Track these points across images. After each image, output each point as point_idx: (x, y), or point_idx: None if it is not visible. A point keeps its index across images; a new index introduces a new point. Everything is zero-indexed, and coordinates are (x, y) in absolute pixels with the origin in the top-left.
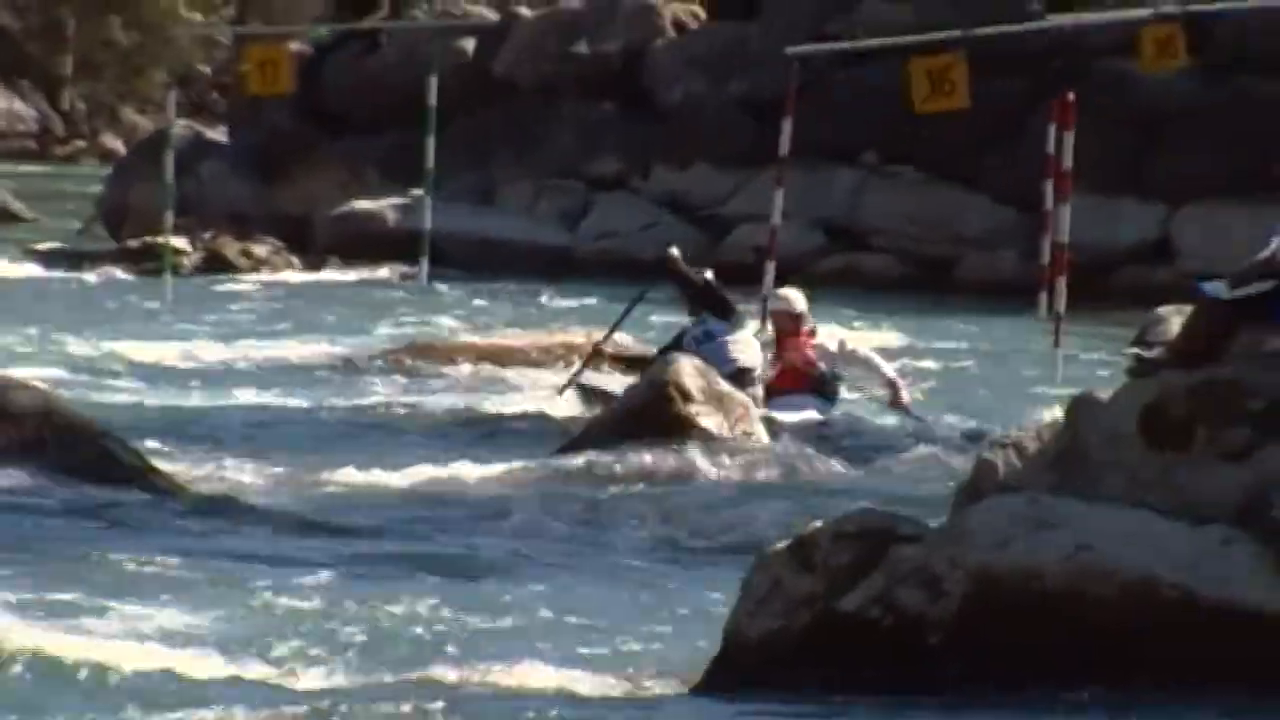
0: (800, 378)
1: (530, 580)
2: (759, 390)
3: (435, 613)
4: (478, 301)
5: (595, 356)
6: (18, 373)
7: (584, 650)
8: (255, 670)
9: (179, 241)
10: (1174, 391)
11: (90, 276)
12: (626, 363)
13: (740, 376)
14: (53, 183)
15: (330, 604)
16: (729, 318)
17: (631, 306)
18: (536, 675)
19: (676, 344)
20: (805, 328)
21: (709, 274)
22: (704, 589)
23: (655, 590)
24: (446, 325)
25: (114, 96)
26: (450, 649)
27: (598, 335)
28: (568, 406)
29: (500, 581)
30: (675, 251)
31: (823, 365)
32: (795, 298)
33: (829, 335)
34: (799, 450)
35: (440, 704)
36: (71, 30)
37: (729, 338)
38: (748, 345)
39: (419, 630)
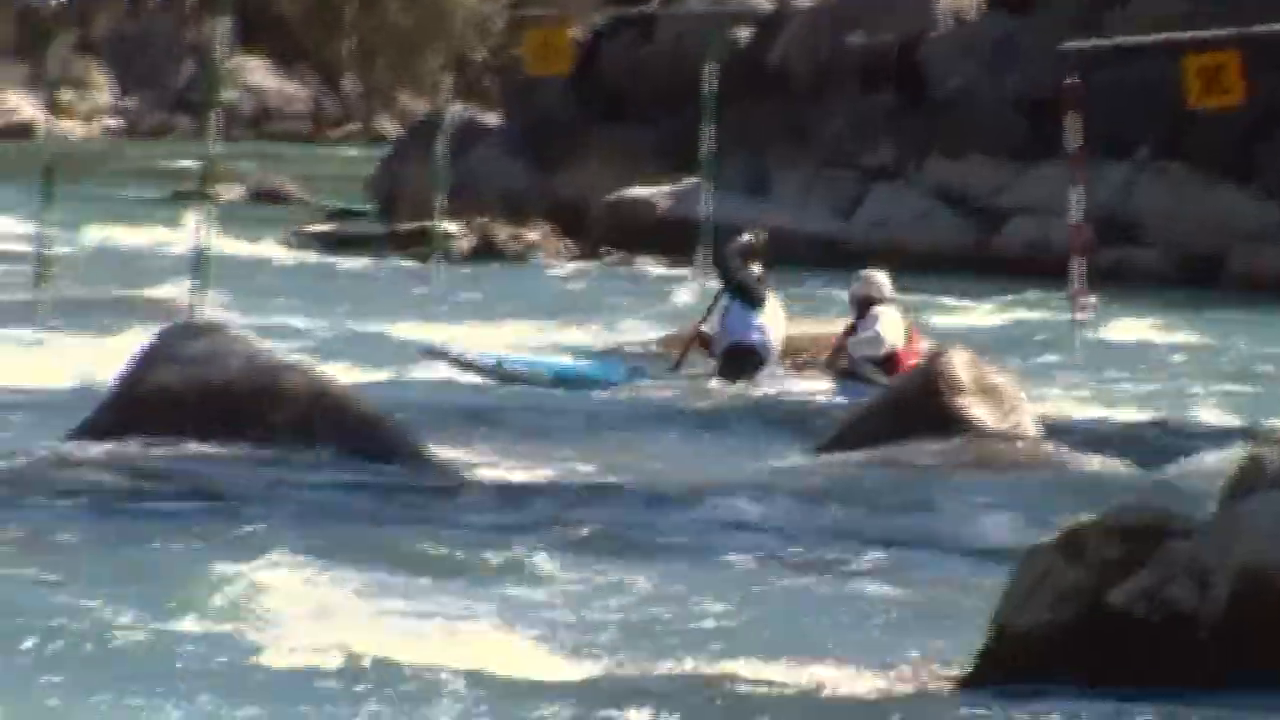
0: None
1: (799, 574)
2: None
3: (708, 605)
4: None
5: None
6: (288, 355)
7: (853, 644)
8: (545, 652)
9: (450, 225)
10: None
11: (362, 259)
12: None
13: (748, 351)
14: (326, 165)
15: (601, 593)
16: (757, 306)
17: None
18: (807, 669)
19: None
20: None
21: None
22: (971, 581)
23: (923, 583)
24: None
25: (389, 80)
26: (723, 642)
27: None
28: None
29: (770, 575)
30: (746, 238)
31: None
32: (880, 280)
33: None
34: (1067, 443)
35: (717, 698)
36: (348, 14)
37: (751, 313)
38: (770, 322)
39: (692, 623)
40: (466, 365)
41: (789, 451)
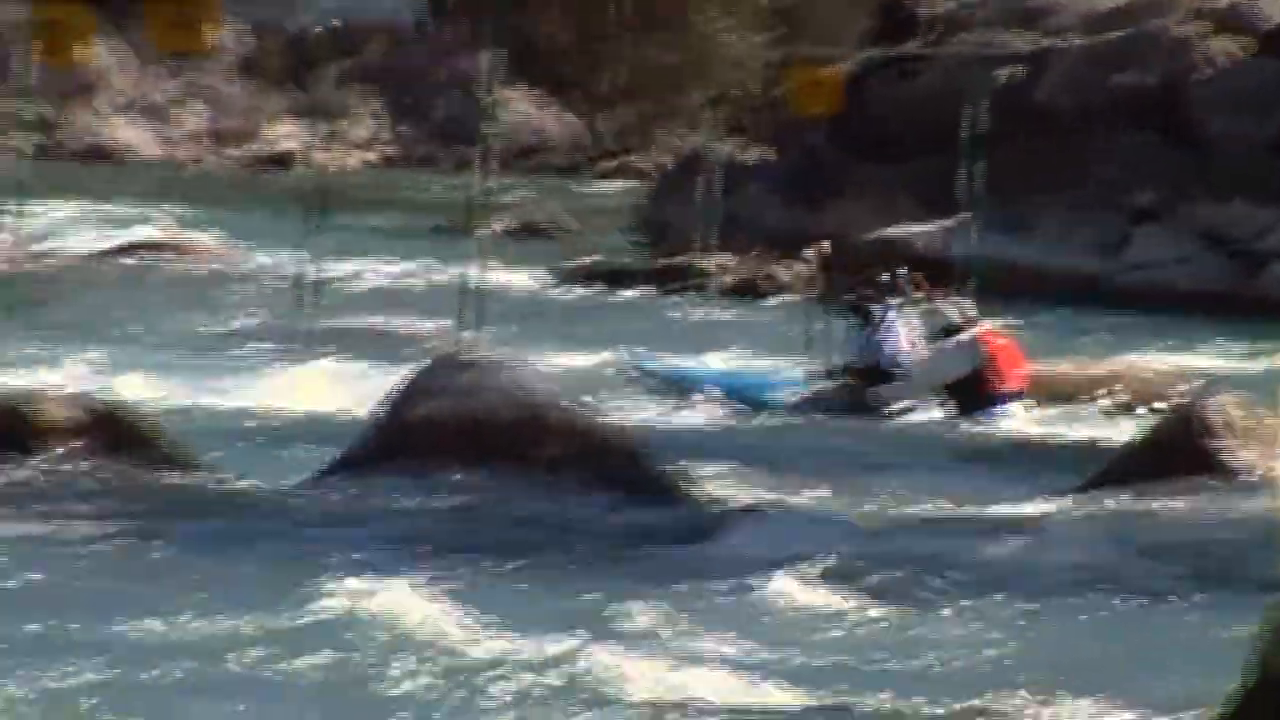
0: None
1: (1064, 613)
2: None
3: (983, 641)
4: (1011, 331)
5: None
6: (550, 388)
7: (1116, 681)
8: (811, 687)
9: (714, 261)
10: None
11: (626, 293)
12: None
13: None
14: (590, 200)
15: (874, 629)
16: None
17: None
18: (1075, 705)
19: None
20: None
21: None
22: (1231, 623)
23: (1182, 624)
24: None
25: (653, 115)
26: (994, 680)
27: (1133, 366)
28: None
29: (1025, 613)
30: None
31: None
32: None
33: None
34: None
35: None
36: (613, 49)
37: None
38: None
39: (965, 659)
40: (650, 375)
41: (1052, 489)
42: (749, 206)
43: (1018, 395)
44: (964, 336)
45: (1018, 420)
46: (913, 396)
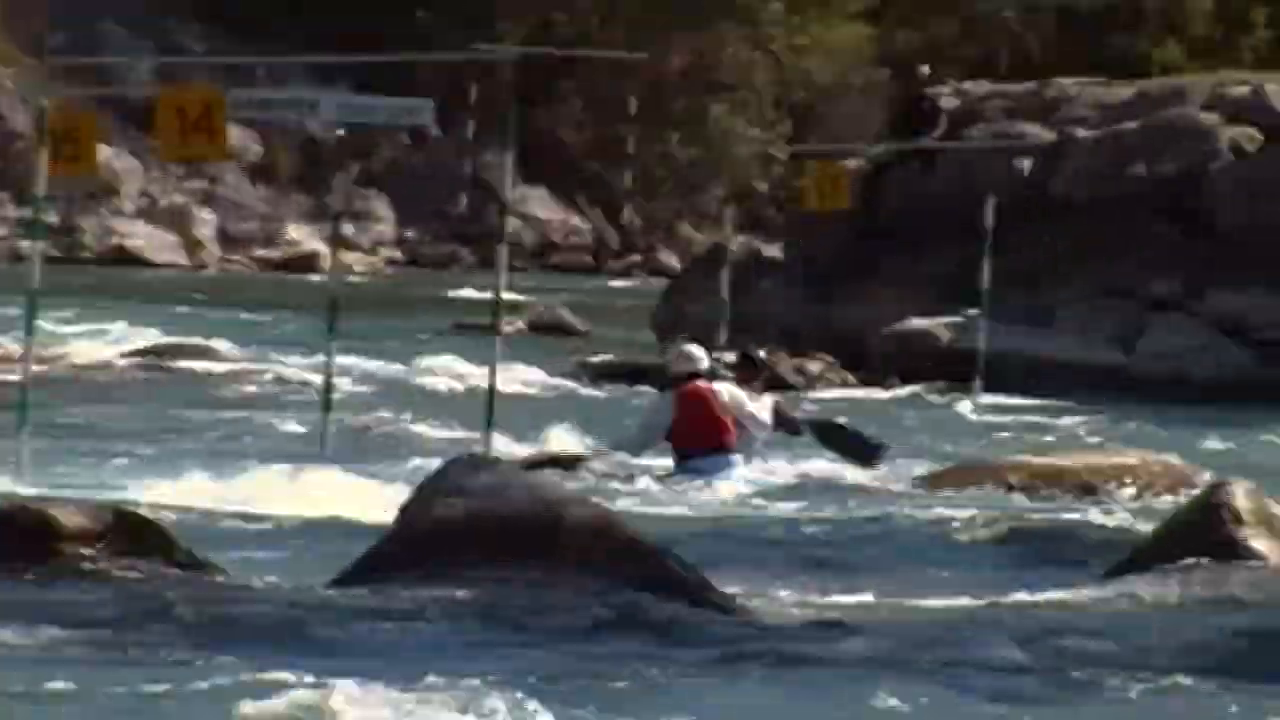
0: None
1: (1084, 705)
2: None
3: None
4: (1031, 422)
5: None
6: (573, 488)
7: None
8: None
9: (731, 357)
10: None
11: (644, 391)
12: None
13: None
14: (607, 297)
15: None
16: None
17: None
18: None
19: None
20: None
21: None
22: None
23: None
24: (997, 444)
25: (671, 212)
26: None
27: (1150, 457)
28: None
29: (1057, 706)
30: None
31: None
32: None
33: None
34: None
35: None
36: (630, 146)
37: None
38: None
39: None
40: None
41: (1068, 581)
42: (765, 301)
43: (715, 450)
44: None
45: (735, 482)
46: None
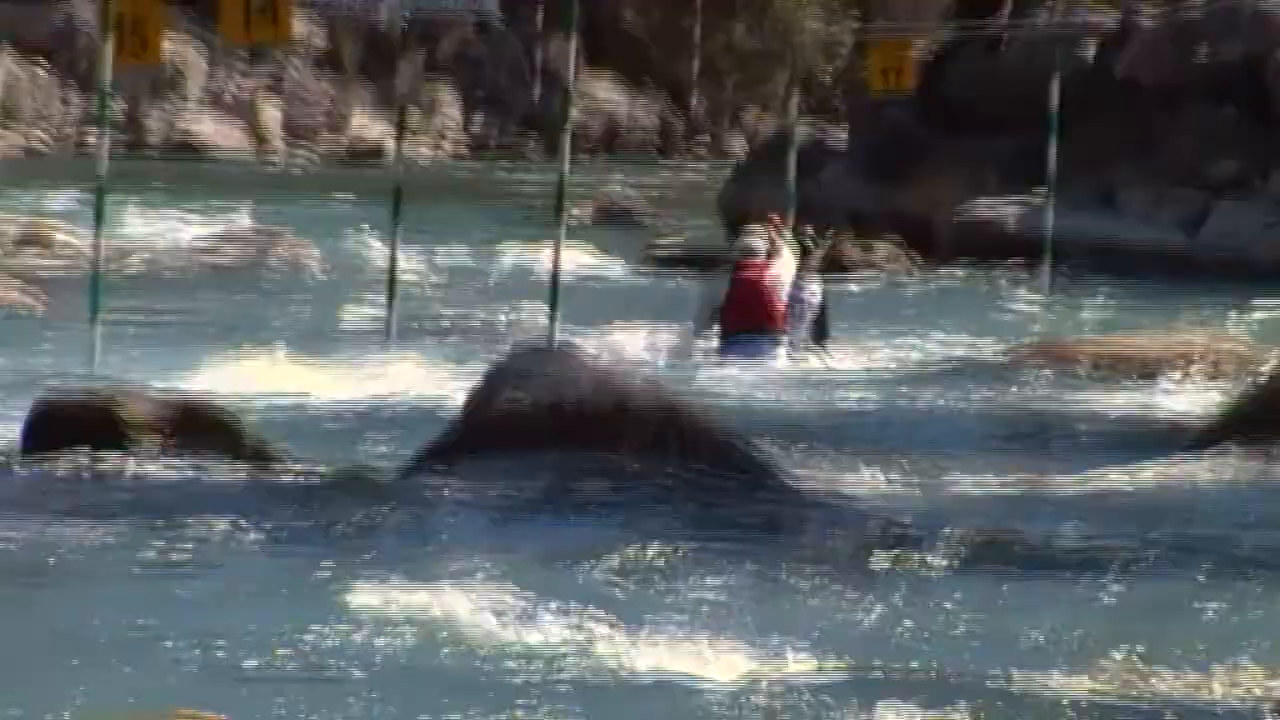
0: None
1: (1165, 585)
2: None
3: (1065, 610)
4: (1097, 304)
5: None
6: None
7: (1216, 651)
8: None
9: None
10: None
11: (710, 277)
12: None
13: None
14: (674, 184)
15: (968, 607)
16: None
17: None
18: (1168, 678)
19: None
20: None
21: None
22: None
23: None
24: (1068, 327)
25: (737, 98)
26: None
27: (1216, 339)
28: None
29: (1133, 586)
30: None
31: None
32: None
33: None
34: None
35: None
36: (695, 34)
37: None
38: None
39: (1058, 628)
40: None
41: (1139, 461)
42: (829, 186)
43: (758, 331)
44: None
45: (778, 362)
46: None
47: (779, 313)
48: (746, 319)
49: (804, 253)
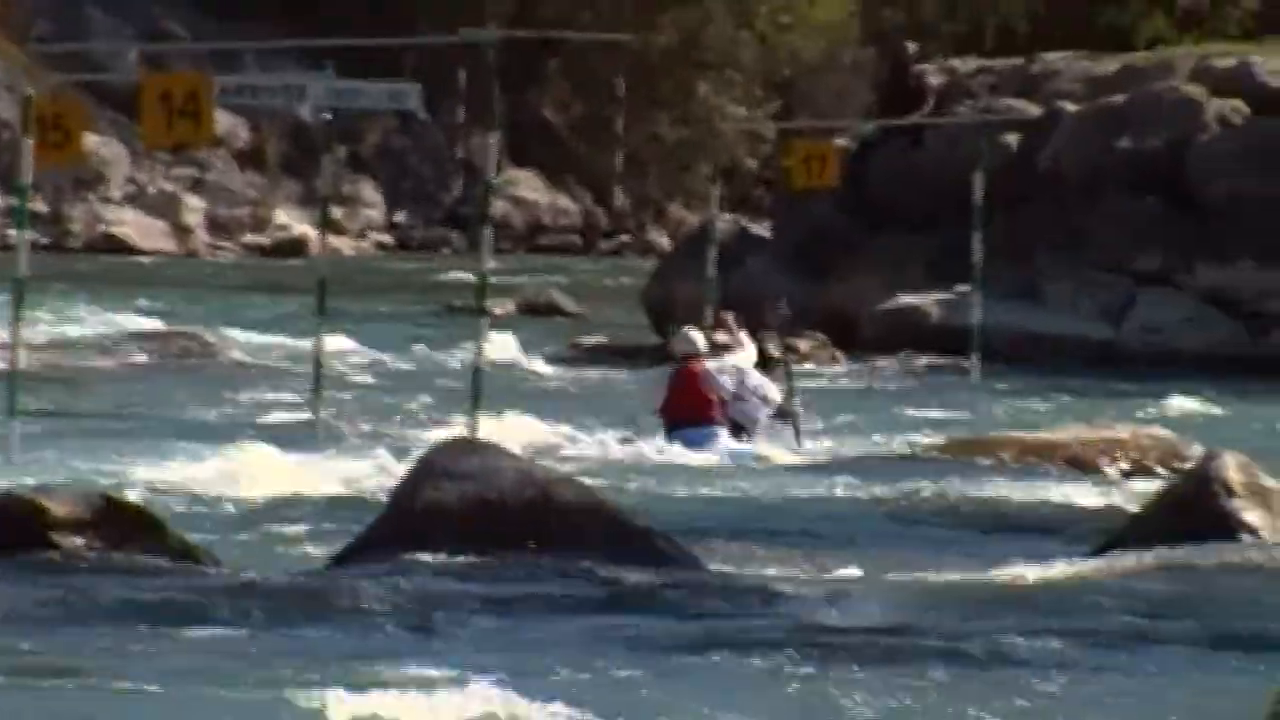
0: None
1: (1078, 679)
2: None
3: (971, 709)
4: (1022, 396)
5: None
6: (561, 469)
7: None
8: None
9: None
10: None
11: (634, 371)
12: None
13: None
14: (597, 278)
15: (878, 699)
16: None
17: None
18: None
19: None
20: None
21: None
22: (1248, 688)
23: (1199, 688)
24: (992, 420)
25: (660, 192)
26: None
27: (1141, 430)
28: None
29: (1050, 680)
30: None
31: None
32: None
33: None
34: None
35: None
36: (618, 127)
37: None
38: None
39: None
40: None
41: (1061, 555)
42: (754, 280)
43: (695, 424)
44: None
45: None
46: None
47: (714, 405)
48: (682, 413)
49: (761, 353)
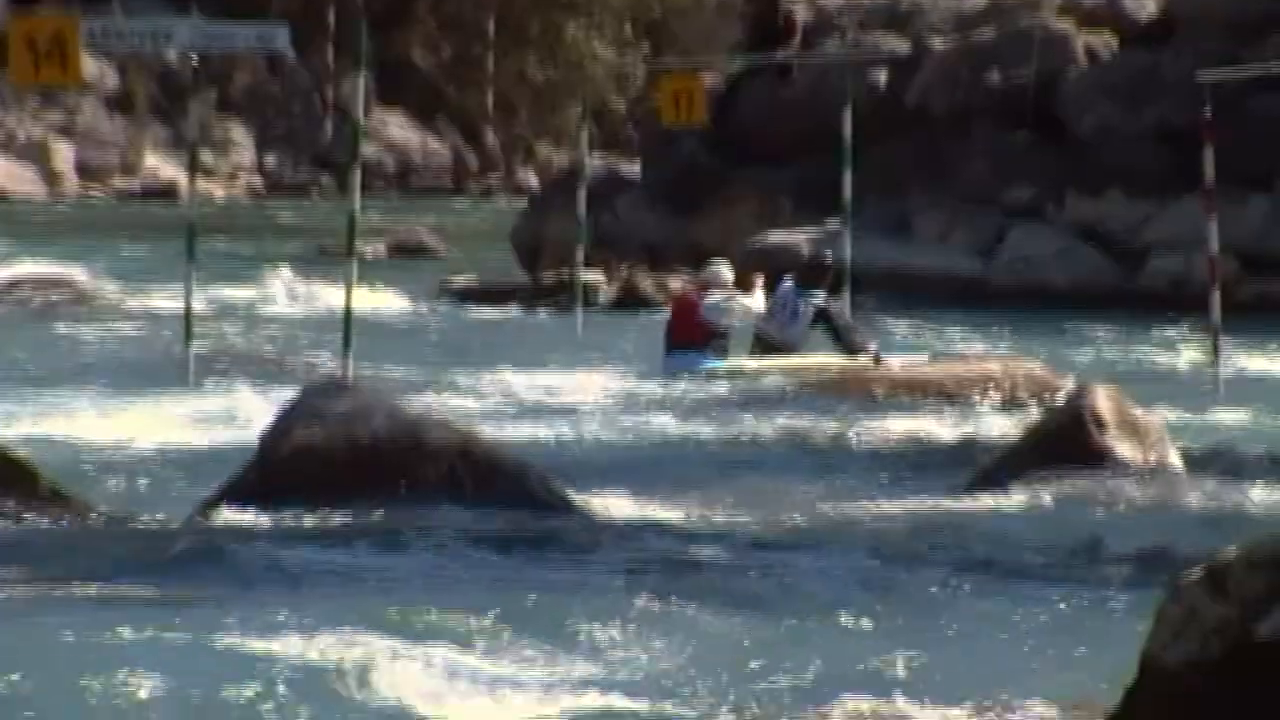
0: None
1: (946, 610)
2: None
3: (844, 642)
4: (893, 331)
5: None
6: (433, 409)
7: (1000, 678)
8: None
9: (593, 275)
10: None
11: (505, 311)
12: None
13: None
14: (468, 219)
15: (746, 635)
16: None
17: None
18: (954, 709)
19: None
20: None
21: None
22: (1119, 619)
23: (1069, 619)
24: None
25: (529, 133)
26: (872, 683)
27: (1012, 364)
28: (982, 433)
29: (916, 613)
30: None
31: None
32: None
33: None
34: (1211, 477)
35: None
36: (487, 68)
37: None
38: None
39: (841, 665)
40: None
41: (933, 490)
42: (625, 219)
43: (689, 346)
44: None
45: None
46: None
47: (698, 330)
48: (673, 336)
49: (823, 272)
